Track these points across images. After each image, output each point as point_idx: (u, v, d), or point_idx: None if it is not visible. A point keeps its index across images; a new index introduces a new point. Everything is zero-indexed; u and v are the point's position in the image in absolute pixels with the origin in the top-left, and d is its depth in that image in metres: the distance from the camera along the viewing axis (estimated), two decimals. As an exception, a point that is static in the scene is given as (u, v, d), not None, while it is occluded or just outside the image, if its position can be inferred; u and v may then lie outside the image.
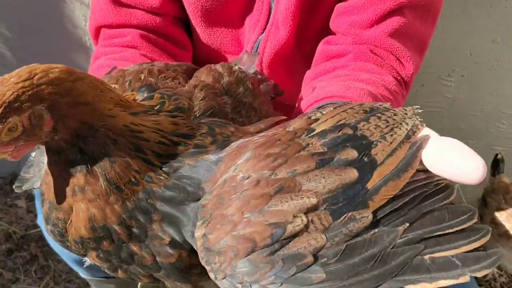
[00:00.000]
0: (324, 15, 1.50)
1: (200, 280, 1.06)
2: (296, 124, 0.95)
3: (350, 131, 0.90)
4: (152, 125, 0.98)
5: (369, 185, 0.85)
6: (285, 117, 1.16)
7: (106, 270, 1.05)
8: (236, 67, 1.26)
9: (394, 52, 1.41)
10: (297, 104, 1.41)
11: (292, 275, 0.81)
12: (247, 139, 0.99)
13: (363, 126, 0.91)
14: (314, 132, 0.91)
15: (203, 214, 0.90)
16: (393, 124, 0.92)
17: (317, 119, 0.94)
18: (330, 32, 1.51)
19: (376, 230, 0.83)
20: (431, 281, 0.79)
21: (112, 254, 0.99)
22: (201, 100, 1.10)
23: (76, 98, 0.91)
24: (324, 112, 0.95)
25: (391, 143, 0.89)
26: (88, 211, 0.95)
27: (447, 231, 0.83)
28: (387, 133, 0.90)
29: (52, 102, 0.89)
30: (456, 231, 0.83)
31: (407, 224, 0.83)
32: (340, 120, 0.92)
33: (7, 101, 0.84)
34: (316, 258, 0.81)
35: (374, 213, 0.83)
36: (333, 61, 1.44)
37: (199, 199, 0.94)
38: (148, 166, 0.95)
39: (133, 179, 0.94)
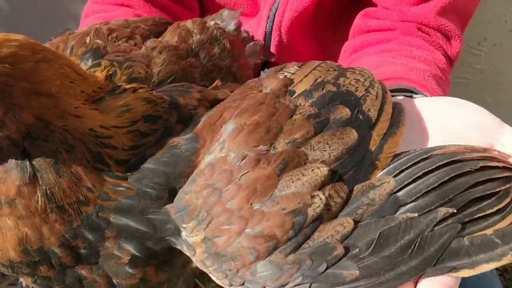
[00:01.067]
0: None
1: None
2: (272, 84, 0.85)
3: (334, 88, 0.83)
4: (124, 121, 0.78)
5: (372, 145, 0.80)
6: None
7: None
8: (211, 23, 1.06)
9: (442, 31, 1.34)
10: None
11: (323, 272, 0.71)
12: (215, 108, 0.84)
13: (344, 81, 0.85)
14: (297, 93, 0.83)
15: (193, 213, 0.75)
16: (367, 77, 0.88)
17: (291, 80, 0.85)
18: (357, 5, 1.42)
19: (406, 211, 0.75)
20: (473, 266, 0.72)
21: (54, 281, 0.78)
22: (161, 65, 0.89)
23: (36, 86, 0.70)
24: (293, 71, 0.88)
25: (376, 96, 0.85)
26: (17, 230, 0.73)
27: (488, 211, 0.76)
28: (368, 86, 0.86)
29: (2, 86, 0.67)
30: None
31: (449, 209, 0.75)
32: (316, 79, 0.85)
33: None
34: (347, 249, 0.72)
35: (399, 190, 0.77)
36: (377, 33, 1.35)
37: (167, 203, 0.77)
38: (109, 181, 0.75)
39: (82, 199, 0.74)
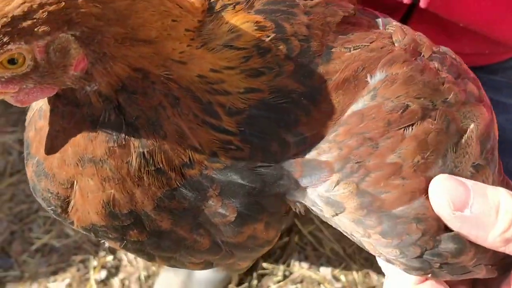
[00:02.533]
0: None
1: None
2: (404, 40, 0.76)
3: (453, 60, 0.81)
4: (235, 56, 0.65)
5: None
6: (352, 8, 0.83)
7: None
8: None
9: None
10: None
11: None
12: (343, 51, 0.72)
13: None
14: (425, 57, 0.75)
15: (334, 163, 0.67)
16: None
17: (420, 39, 0.79)
18: None
19: None
20: None
21: (147, 245, 0.71)
22: None
23: (133, 30, 0.57)
24: (404, 29, 0.79)
25: None
26: (102, 193, 0.65)
27: None
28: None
29: (91, 31, 0.55)
30: None
31: None
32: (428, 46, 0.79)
33: (11, 15, 0.51)
34: None
35: None
36: None
37: (280, 158, 0.67)
38: (218, 137, 0.64)
39: (186, 161, 0.64)
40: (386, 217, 0.65)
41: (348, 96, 0.67)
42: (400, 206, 0.65)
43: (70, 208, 0.68)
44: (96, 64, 0.56)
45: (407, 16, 1.30)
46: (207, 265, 0.79)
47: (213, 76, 0.63)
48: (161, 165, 0.62)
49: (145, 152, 0.61)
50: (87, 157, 0.63)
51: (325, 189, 0.66)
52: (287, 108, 0.65)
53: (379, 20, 0.81)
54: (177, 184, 0.64)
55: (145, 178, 0.63)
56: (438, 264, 0.68)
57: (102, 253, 2.05)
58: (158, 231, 0.69)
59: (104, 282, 2.01)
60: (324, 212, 0.68)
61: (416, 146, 0.66)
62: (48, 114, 0.65)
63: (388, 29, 0.79)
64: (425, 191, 0.66)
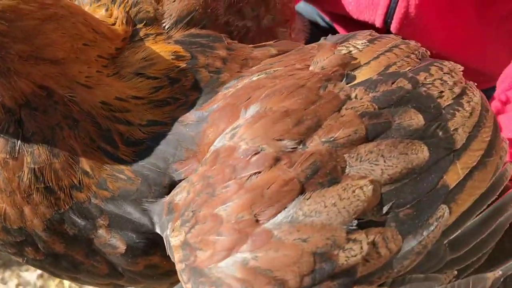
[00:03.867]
0: None
1: None
2: (325, 61, 0.67)
3: (408, 85, 0.65)
4: (145, 87, 0.67)
5: (450, 179, 0.62)
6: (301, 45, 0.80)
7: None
8: None
9: None
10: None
11: None
12: (247, 79, 0.68)
13: (425, 79, 0.66)
14: (356, 81, 0.65)
15: (181, 207, 0.62)
16: (460, 81, 0.69)
17: (354, 58, 0.68)
18: None
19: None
20: None
21: (46, 264, 0.73)
22: (175, 0, 0.73)
23: (39, 49, 0.60)
24: (359, 47, 0.70)
25: (470, 114, 0.66)
26: None
27: None
28: (459, 95, 0.67)
29: None
30: None
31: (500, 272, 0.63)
32: (389, 65, 0.67)
33: None
34: None
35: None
36: None
37: (166, 191, 0.66)
38: (109, 164, 0.66)
39: (76, 183, 0.65)
40: (194, 274, 0.59)
41: (218, 131, 0.65)
42: (209, 265, 0.58)
43: None
44: (1, 77, 0.59)
45: None
46: (116, 286, 0.80)
47: (117, 104, 0.65)
48: (50, 184, 0.64)
49: (36, 169, 0.64)
50: None
51: (168, 234, 0.64)
52: (176, 142, 0.65)
53: (329, 38, 0.76)
54: (65, 205, 0.66)
55: (34, 195, 0.65)
56: None
57: (75, 248, 2.09)
58: (53, 253, 0.70)
59: (75, 276, 2.06)
60: (170, 257, 0.65)
61: (248, 199, 0.58)
62: None
63: (320, 49, 0.72)
64: (236, 253, 0.57)
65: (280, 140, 0.59)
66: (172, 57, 0.67)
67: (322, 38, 0.75)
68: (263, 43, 0.76)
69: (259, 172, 0.58)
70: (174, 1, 0.73)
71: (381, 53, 0.68)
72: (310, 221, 0.56)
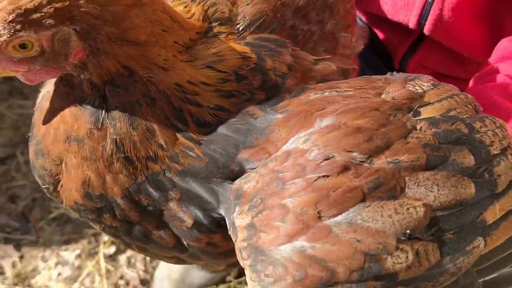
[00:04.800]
0: None
1: None
2: (395, 92, 0.77)
3: (466, 129, 0.75)
4: (214, 77, 0.75)
5: (488, 216, 0.71)
6: (354, 67, 0.91)
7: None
8: None
9: None
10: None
11: None
12: (318, 92, 0.77)
13: (480, 128, 0.76)
14: (421, 116, 0.75)
15: (249, 194, 0.71)
16: (508, 137, 0.79)
17: (421, 96, 0.77)
18: None
19: None
20: None
21: (120, 231, 0.82)
22: (249, 3, 0.81)
23: (124, 32, 0.68)
24: (426, 89, 0.79)
25: (507, 160, 0.76)
26: (81, 171, 0.76)
27: None
28: (506, 147, 0.77)
29: (89, 28, 0.67)
30: None
31: None
32: (450, 109, 0.77)
33: (23, 7, 0.63)
34: None
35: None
36: None
37: (233, 175, 0.74)
38: (181, 141, 0.74)
39: (151, 155, 0.73)
40: (255, 252, 0.67)
41: (292, 133, 0.72)
42: (271, 246, 0.66)
43: (59, 187, 0.80)
44: (91, 56, 0.68)
45: (418, 42, 1.38)
46: (178, 260, 0.88)
47: (189, 87, 0.73)
48: (129, 153, 0.73)
49: (118, 140, 0.72)
50: (73, 135, 0.74)
51: (235, 216, 0.71)
52: (247, 131, 0.73)
53: (395, 75, 0.84)
54: (142, 176, 0.74)
55: (115, 164, 0.74)
56: None
57: (113, 230, 2.18)
58: (128, 221, 0.79)
59: (112, 257, 2.14)
60: (232, 236, 0.73)
61: (314, 197, 0.66)
62: (51, 95, 0.76)
63: (387, 81, 0.81)
64: (296, 240, 0.65)
65: (351, 152, 0.68)
66: (240, 57, 0.75)
67: (388, 74, 0.84)
68: (322, 57, 0.84)
69: (328, 176, 0.67)
70: (247, 4, 0.81)
71: (444, 98, 0.78)
72: (367, 226, 0.65)
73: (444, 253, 0.68)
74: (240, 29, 0.80)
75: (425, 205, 0.67)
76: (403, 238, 0.66)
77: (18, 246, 2.17)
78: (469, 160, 0.72)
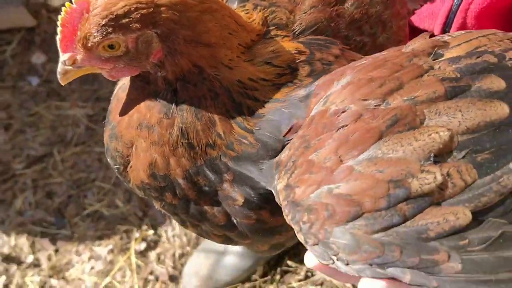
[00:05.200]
0: None
1: (283, 243, 0.96)
2: (416, 44, 0.76)
3: (494, 59, 0.71)
4: (271, 72, 0.84)
5: None
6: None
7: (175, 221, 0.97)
8: None
9: None
10: None
11: (412, 267, 0.63)
12: (350, 64, 0.81)
13: None
14: (443, 58, 0.73)
15: (284, 161, 0.76)
16: None
17: (446, 42, 0.75)
18: None
19: None
20: None
21: (178, 209, 0.92)
22: (306, 12, 0.90)
23: (198, 35, 0.78)
24: (454, 35, 0.77)
25: None
26: (149, 154, 0.86)
27: None
28: None
29: (168, 31, 0.78)
30: None
31: None
32: (479, 46, 0.74)
33: (115, 13, 0.73)
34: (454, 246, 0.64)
35: None
36: None
37: (278, 154, 0.80)
38: (237, 131, 0.84)
39: (211, 142, 0.83)
40: (292, 206, 0.72)
41: (317, 99, 0.78)
42: (303, 197, 0.70)
43: (128, 167, 0.90)
44: (169, 56, 0.78)
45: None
46: (226, 239, 0.97)
47: (249, 83, 0.83)
48: (192, 140, 0.83)
49: (183, 128, 0.83)
50: (145, 123, 0.85)
51: (275, 183, 0.77)
52: (290, 114, 0.82)
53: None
54: (201, 160, 0.84)
55: (179, 148, 0.84)
56: (335, 257, 0.68)
57: (144, 227, 2.27)
58: (187, 199, 0.89)
59: (143, 253, 2.23)
60: (278, 202, 0.77)
61: (336, 145, 0.70)
62: (127, 87, 0.87)
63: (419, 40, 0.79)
64: (323, 185, 0.68)
65: (365, 100, 0.71)
66: (295, 52, 0.85)
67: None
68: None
69: (346, 126, 0.71)
70: (304, 13, 0.90)
71: (474, 37, 0.76)
72: (387, 157, 0.67)
73: (482, 173, 0.65)
74: (296, 33, 0.89)
75: (449, 130, 0.66)
76: (428, 162, 0.65)
77: (53, 240, 2.29)
78: (498, 84, 0.69)
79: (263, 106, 0.83)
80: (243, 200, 0.85)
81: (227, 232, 0.94)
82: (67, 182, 2.46)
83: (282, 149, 0.81)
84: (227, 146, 0.83)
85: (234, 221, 0.89)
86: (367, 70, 0.74)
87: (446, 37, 0.78)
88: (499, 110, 0.67)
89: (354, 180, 0.67)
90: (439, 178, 0.64)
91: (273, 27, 0.88)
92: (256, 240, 0.94)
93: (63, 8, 0.75)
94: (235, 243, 1.00)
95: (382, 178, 0.65)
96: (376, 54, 0.83)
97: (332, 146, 0.70)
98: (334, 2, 0.93)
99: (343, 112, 0.71)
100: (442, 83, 0.70)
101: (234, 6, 0.93)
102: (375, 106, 0.70)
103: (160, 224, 2.30)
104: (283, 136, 0.80)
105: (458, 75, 0.71)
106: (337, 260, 0.67)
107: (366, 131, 0.68)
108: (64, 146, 2.58)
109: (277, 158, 0.80)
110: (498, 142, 0.66)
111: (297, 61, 0.85)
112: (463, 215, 0.64)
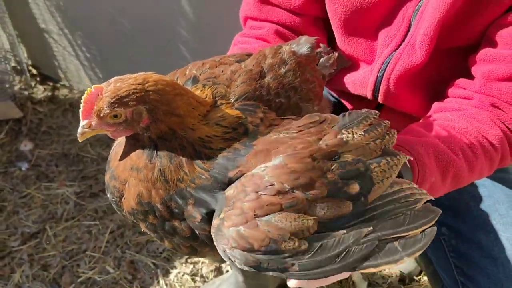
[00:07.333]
0: (463, 42, 1.57)
1: None
2: (329, 141, 1.15)
3: (362, 168, 1.14)
4: (220, 131, 1.21)
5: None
6: (317, 118, 1.26)
7: (156, 239, 1.35)
8: (286, 48, 1.41)
9: None
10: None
11: (274, 270, 1.12)
12: (280, 135, 1.19)
13: (374, 167, 1.15)
14: (339, 160, 1.13)
15: (230, 198, 1.13)
16: (393, 168, 1.18)
17: (346, 142, 1.16)
18: (464, 61, 1.59)
19: (344, 231, 1.10)
20: (376, 267, 1.09)
21: (158, 227, 1.27)
22: (238, 86, 1.29)
23: (172, 109, 1.18)
24: (356, 136, 1.17)
25: (383, 185, 1.16)
26: (137, 188, 1.23)
27: (403, 234, 1.12)
28: (387, 177, 1.16)
29: (153, 107, 1.17)
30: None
31: (370, 228, 1.11)
32: (361, 154, 1.15)
33: (120, 95, 1.13)
34: (294, 260, 1.09)
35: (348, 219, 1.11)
36: (454, 100, 1.56)
37: (226, 186, 1.18)
38: (197, 170, 1.20)
39: (180, 178, 1.20)
40: (217, 231, 1.14)
41: (258, 163, 1.15)
42: (225, 228, 1.13)
43: (123, 199, 1.28)
44: (153, 123, 1.17)
45: (379, 108, 1.77)
46: (192, 250, 1.31)
47: (206, 139, 1.21)
48: (167, 177, 1.20)
49: (161, 169, 1.20)
50: (135, 166, 1.22)
51: (222, 213, 1.15)
52: (234, 159, 1.19)
53: (341, 118, 1.21)
54: (173, 190, 1.20)
55: (158, 183, 1.21)
56: (236, 261, 1.14)
57: (134, 290, 2.53)
58: (163, 219, 1.24)
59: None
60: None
61: (256, 205, 1.10)
62: (123, 143, 1.27)
63: (330, 131, 1.17)
64: (238, 227, 1.09)
65: (284, 183, 1.10)
66: (235, 116, 1.24)
67: (341, 115, 1.23)
68: (289, 117, 1.29)
69: (266, 194, 1.10)
70: (237, 87, 1.30)
71: (362, 144, 1.17)
72: (275, 224, 1.09)
73: (312, 243, 1.09)
74: (232, 101, 1.27)
75: (315, 219, 1.09)
76: (293, 238, 1.08)
77: (51, 309, 2.47)
78: (355, 189, 1.12)
79: (215, 154, 1.20)
80: (200, 218, 1.20)
81: (192, 242, 1.27)
82: (61, 254, 2.69)
83: (229, 184, 1.18)
84: (191, 180, 1.19)
85: (197, 232, 1.23)
86: (294, 160, 1.12)
87: (350, 137, 1.18)
88: (346, 208, 1.11)
89: (255, 231, 1.09)
90: (296, 244, 1.09)
91: (218, 98, 1.26)
92: (212, 247, 1.24)
93: (86, 91, 1.12)
94: (198, 253, 1.34)
95: (268, 235, 1.08)
96: (302, 122, 1.22)
97: (255, 205, 1.10)
98: (258, 77, 1.33)
99: (270, 185, 1.10)
100: (327, 187, 1.10)
101: (190, 86, 1.30)
102: (287, 190, 1.09)
103: (148, 286, 2.53)
104: (231, 176, 1.18)
105: (339, 180, 1.11)
106: (236, 263, 1.12)
107: (274, 203, 1.09)
108: (55, 222, 2.85)
109: (227, 192, 1.17)
110: (335, 225, 1.12)
111: (237, 123, 1.22)
112: (304, 245, 1.11)
